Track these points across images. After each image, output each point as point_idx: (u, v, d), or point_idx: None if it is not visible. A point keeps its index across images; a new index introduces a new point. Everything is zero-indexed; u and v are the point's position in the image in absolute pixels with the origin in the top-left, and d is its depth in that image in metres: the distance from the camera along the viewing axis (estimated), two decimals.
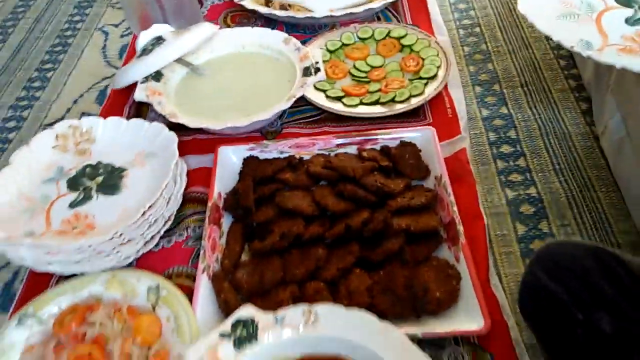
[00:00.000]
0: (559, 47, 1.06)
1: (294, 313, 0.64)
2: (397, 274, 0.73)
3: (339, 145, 0.93)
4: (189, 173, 0.91)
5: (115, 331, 0.68)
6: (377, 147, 0.93)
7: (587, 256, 0.56)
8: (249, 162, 0.91)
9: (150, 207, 0.76)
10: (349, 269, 0.75)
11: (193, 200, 0.90)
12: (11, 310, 0.75)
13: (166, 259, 0.81)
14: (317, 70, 1.01)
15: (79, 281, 0.74)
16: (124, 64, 1.18)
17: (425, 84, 1.03)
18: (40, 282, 0.78)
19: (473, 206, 0.83)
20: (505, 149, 0.94)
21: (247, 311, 0.64)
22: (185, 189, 0.89)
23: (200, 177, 0.92)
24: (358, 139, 0.93)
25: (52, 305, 0.72)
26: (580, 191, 0.84)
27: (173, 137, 0.86)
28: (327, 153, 0.92)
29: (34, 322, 0.70)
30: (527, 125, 0.97)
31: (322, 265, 0.76)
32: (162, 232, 0.81)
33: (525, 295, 0.61)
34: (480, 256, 0.76)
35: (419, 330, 0.67)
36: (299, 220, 0.80)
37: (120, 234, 0.74)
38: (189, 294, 0.73)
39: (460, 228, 0.76)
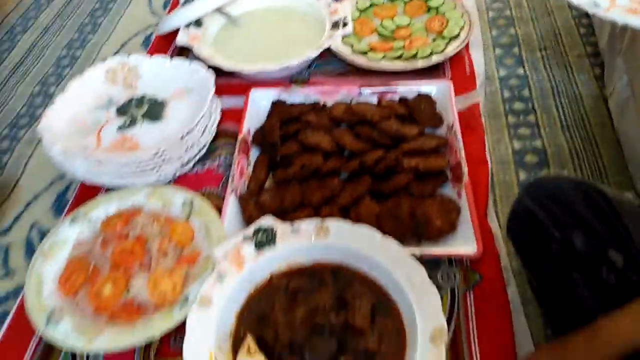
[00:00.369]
0: (580, 15, 1.11)
1: (308, 224, 0.73)
2: (403, 204, 0.81)
3: (360, 94, 1.00)
4: (222, 111, 1.01)
5: (154, 232, 0.79)
6: (396, 98, 1.00)
7: (572, 187, 0.63)
8: (277, 104, 1.00)
9: (188, 132, 0.86)
10: (360, 198, 0.83)
11: (225, 134, 0.99)
12: (64, 213, 0.87)
13: (200, 181, 0.91)
14: (345, 24, 1.09)
15: (124, 192, 0.85)
16: (168, 13, 1.27)
17: (448, 43, 1.09)
18: (89, 194, 0.89)
19: (480, 153, 0.90)
20: (518, 106, 1.00)
21: (268, 220, 0.74)
22: (219, 124, 0.98)
23: (233, 116, 1.01)
24: (379, 89, 1.00)
25: (100, 209, 0.83)
26: (583, 146, 0.90)
27: (210, 75, 0.96)
28: (349, 101, 1.00)
29: (85, 222, 0.82)
30: (540, 86, 1.03)
31: (337, 194, 0.85)
32: (197, 158, 0.91)
33: (512, 219, 0.68)
34: (481, 195, 0.84)
35: (418, 251, 0.75)
36: (318, 155, 0.89)
37: (161, 154, 0.84)
38: (219, 211, 0.83)
39: (465, 169, 0.83)
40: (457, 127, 0.90)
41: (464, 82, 1.04)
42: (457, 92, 1.00)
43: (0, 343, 0.74)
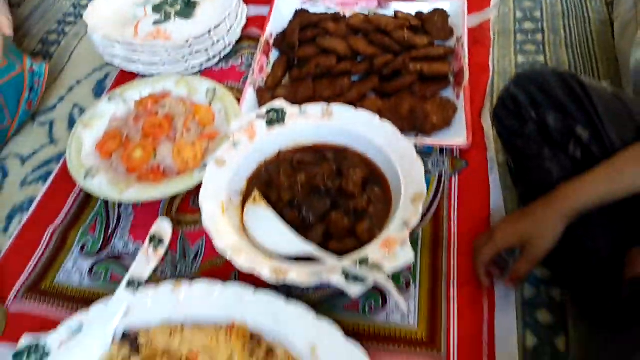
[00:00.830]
0: None
1: (314, 107, 0.81)
2: (405, 101, 0.89)
3: (379, 7, 1.07)
4: (248, 18, 1.09)
5: (180, 112, 0.89)
6: (412, 12, 1.06)
7: (553, 74, 0.69)
8: (299, 12, 1.07)
9: (215, 27, 0.95)
10: (366, 95, 0.91)
11: (249, 38, 1.08)
12: (103, 94, 0.98)
13: (223, 76, 1.01)
14: None
15: (156, 78, 0.95)
16: None
17: None
18: (125, 80, 0.99)
19: (483, 63, 0.97)
20: (528, 25, 1.05)
21: (279, 102, 0.83)
22: (243, 29, 1.07)
23: (257, 23, 1.10)
24: (396, 2, 1.06)
25: (134, 91, 0.93)
26: (583, 63, 0.95)
27: None
28: (367, 12, 1.07)
29: (120, 100, 0.92)
30: (553, 10, 1.07)
31: (346, 91, 0.93)
32: (222, 54, 1.00)
33: (498, 105, 0.74)
34: (478, 98, 0.91)
35: (413, 141, 0.83)
36: (332, 57, 0.97)
37: (190, 45, 0.93)
38: (238, 101, 0.92)
39: (466, 74, 0.90)
40: (465, 39, 0.96)
41: (479, 2, 1.09)
42: (472, 10, 1.05)
43: (46, 195, 0.87)
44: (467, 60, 0.92)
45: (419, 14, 1.04)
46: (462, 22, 1.00)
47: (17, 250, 0.80)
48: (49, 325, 0.70)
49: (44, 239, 0.81)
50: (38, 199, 0.87)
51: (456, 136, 0.84)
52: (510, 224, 0.67)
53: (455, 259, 0.73)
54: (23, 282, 0.76)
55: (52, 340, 0.63)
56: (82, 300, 0.73)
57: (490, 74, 0.95)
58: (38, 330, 0.65)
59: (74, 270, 0.77)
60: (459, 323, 0.67)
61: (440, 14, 1.03)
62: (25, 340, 0.63)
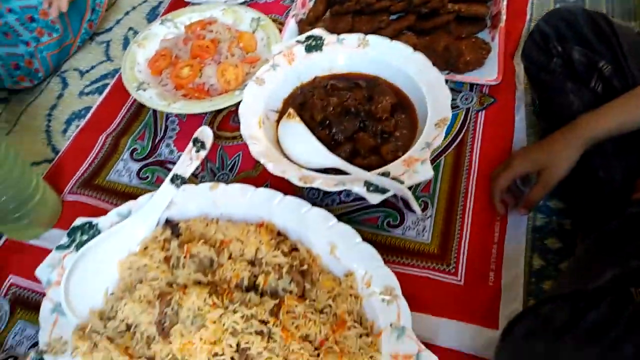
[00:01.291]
0: None
1: (352, 37, 0.86)
2: (440, 39, 0.92)
3: None
4: None
5: (225, 37, 0.95)
6: None
7: (582, 12, 0.71)
8: None
9: None
10: (402, 31, 0.95)
11: None
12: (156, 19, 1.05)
13: (267, 8, 1.06)
14: None
15: (204, 7, 1.01)
16: None
17: None
18: (177, 8, 1.05)
19: (521, 9, 0.98)
20: None
21: (318, 31, 0.87)
22: None
23: None
24: None
25: (185, 17, 1.00)
26: (622, 17, 0.95)
27: None
28: None
29: (171, 25, 0.99)
30: None
31: (383, 27, 0.96)
32: None
33: (528, 40, 0.77)
34: (512, 41, 0.93)
35: (445, 76, 0.86)
36: None
37: None
38: (279, 31, 0.97)
39: (504, 18, 0.92)
40: None
41: None
42: None
43: (101, 105, 0.96)
44: (505, 4, 0.94)
45: None
46: None
47: (74, 151, 0.89)
48: (100, 214, 0.79)
49: (98, 142, 0.89)
50: (94, 107, 0.95)
51: (488, 74, 0.86)
52: (528, 151, 0.71)
53: (473, 188, 0.77)
54: (78, 178, 0.85)
55: (103, 222, 0.71)
56: (130, 196, 0.81)
57: (527, 19, 0.96)
58: (90, 216, 0.74)
59: (124, 171, 0.85)
60: (470, 243, 0.72)
61: None
62: (79, 221, 0.71)
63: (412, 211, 0.75)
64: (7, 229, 0.77)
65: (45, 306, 0.63)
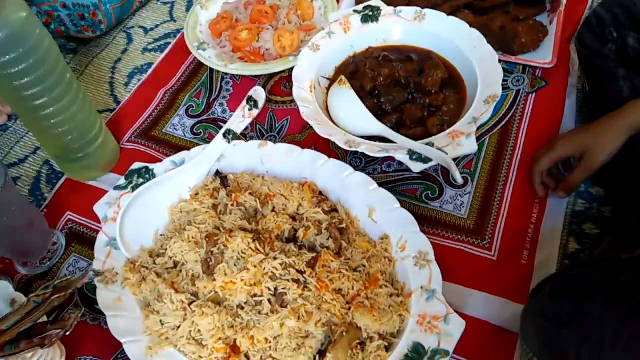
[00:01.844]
0: None
1: (409, 10, 0.87)
2: (497, 19, 0.92)
3: None
4: None
5: (284, 4, 0.98)
6: None
7: None
8: None
9: None
10: (458, 8, 0.95)
11: None
12: None
13: None
14: None
15: None
16: None
17: None
18: None
19: None
20: None
21: (375, 1, 0.88)
22: None
23: None
24: None
25: None
26: None
27: None
28: None
29: None
30: None
31: (440, 4, 0.96)
32: None
33: (583, 24, 0.76)
34: (571, 27, 0.92)
35: (498, 56, 0.86)
36: None
37: None
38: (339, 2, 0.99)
39: (564, 1, 0.91)
40: None
41: None
42: None
43: (163, 61, 1.00)
44: None
45: None
46: None
47: (134, 103, 0.94)
48: (155, 162, 0.84)
49: (157, 97, 0.94)
50: (155, 64, 1.00)
51: (542, 57, 0.86)
52: (571, 134, 0.71)
53: (516, 169, 0.78)
54: (137, 128, 0.90)
55: (158, 168, 0.76)
56: (183, 148, 0.85)
57: (588, 5, 0.95)
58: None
59: (179, 125, 0.90)
60: (507, 221, 0.73)
61: None
62: (136, 165, 0.76)
63: (453, 186, 0.76)
64: (68, 167, 0.83)
65: (101, 239, 0.69)
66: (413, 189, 0.78)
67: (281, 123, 0.89)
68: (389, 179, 0.79)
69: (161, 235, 0.71)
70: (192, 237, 0.65)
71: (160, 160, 0.78)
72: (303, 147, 0.77)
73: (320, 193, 0.73)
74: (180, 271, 0.65)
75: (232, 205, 0.67)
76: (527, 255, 0.70)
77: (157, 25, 1.08)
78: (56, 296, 0.55)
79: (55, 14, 1.00)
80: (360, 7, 0.88)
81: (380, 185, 0.71)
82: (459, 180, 0.69)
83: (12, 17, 0.62)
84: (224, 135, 0.78)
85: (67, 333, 0.56)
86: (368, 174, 0.79)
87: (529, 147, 0.79)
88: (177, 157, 0.77)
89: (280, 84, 0.94)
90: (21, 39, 0.63)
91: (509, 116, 0.84)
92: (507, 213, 0.74)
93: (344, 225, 0.67)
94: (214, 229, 0.66)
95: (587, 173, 0.67)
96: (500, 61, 0.82)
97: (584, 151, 0.67)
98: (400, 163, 0.72)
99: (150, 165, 0.76)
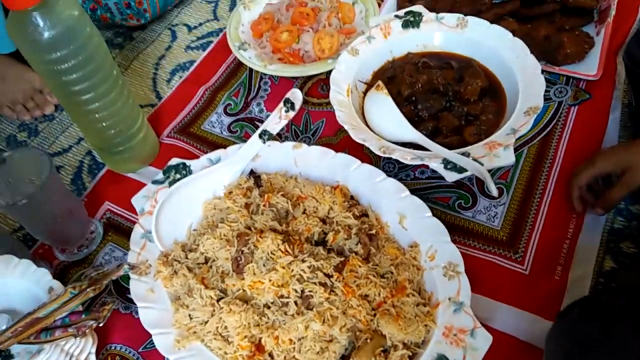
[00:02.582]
0: None
1: (451, 16, 0.86)
2: (541, 28, 0.89)
3: None
4: None
5: (326, 6, 0.98)
6: None
7: None
8: None
9: None
10: (502, 16, 0.93)
11: None
12: None
13: None
14: None
15: None
16: None
17: None
18: None
19: (634, 5, 0.93)
20: None
21: (419, 7, 0.88)
22: None
23: None
24: None
25: None
26: None
27: None
28: None
29: None
30: None
31: (484, 10, 0.95)
32: None
33: (633, 36, 0.74)
34: (619, 39, 0.89)
35: (541, 65, 0.84)
36: None
37: None
38: (378, 5, 0.98)
39: (612, 12, 0.88)
40: None
41: None
42: None
43: (204, 60, 1.03)
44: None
45: None
46: None
47: (175, 99, 0.97)
48: (192, 157, 0.85)
49: (197, 94, 0.96)
50: (197, 62, 1.02)
51: (587, 69, 0.83)
52: (613, 149, 0.69)
53: (553, 182, 0.76)
54: (176, 124, 0.93)
55: (195, 165, 0.78)
56: (219, 146, 0.87)
57: (638, 18, 0.91)
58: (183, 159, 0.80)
59: (217, 123, 0.92)
60: (542, 235, 0.71)
61: None
62: (174, 161, 0.78)
63: (488, 196, 0.75)
64: (110, 159, 0.86)
65: (137, 231, 0.71)
66: (446, 197, 0.77)
67: (316, 125, 0.89)
68: (421, 186, 0.79)
69: (194, 230, 0.73)
70: (224, 235, 0.67)
71: (198, 157, 0.80)
72: (337, 150, 0.77)
73: (352, 197, 0.73)
74: (211, 267, 0.66)
75: (264, 205, 0.68)
76: (560, 271, 0.68)
77: (200, 24, 1.10)
78: (92, 288, 0.57)
79: (103, 1, 1.04)
80: (401, 12, 0.88)
81: (412, 192, 0.71)
82: (494, 193, 0.68)
83: (64, 14, 0.64)
84: (260, 136, 0.79)
85: (101, 324, 0.58)
86: (401, 179, 0.79)
87: (569, 161, 0.77)
88: (213, 154, 0.78)
89: (317, 86, 0.94)
90: (72, 37, 0.65)
91: (549, 128, 0.82)
92: (542, 226, 0.72)
93: (373, 232, 0.67)
94: (246, 228, 0.67)
95: (628, 190, 0.65)
96: (543, 71, 0.80)
97: (626, 168, 0.65)
98: (434, 170, 0.71)
99: (188, 162, 0.78)
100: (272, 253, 0.62)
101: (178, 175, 0.76)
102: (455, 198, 0.77)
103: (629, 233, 0.71)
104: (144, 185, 0.80)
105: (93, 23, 0.70)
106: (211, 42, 1.06)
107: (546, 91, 0.82)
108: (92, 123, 0.76)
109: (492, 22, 0.92)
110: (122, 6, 1.03)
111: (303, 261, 0.62)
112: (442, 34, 0.86)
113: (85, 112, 0.74)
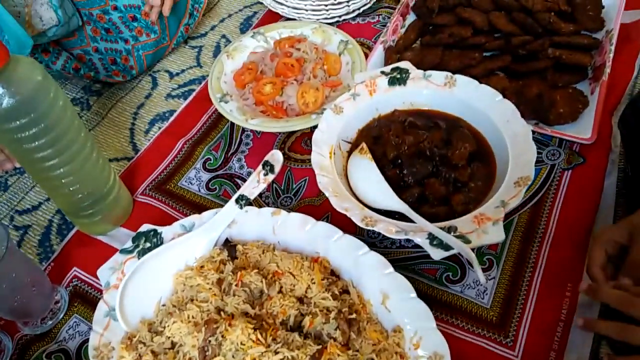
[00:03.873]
0: None
1: (439, 75, 0.82)
2: (533, 86, 0.86)
3: None
4: None
5: (311, 57, 0.95)
6: None
7: None
8: None
9: None
10: (493, 71, 0.90)
11: None
12: (248, 30, 1.07)
13: (358, 31, 1.05)
14: None
15: (296, 23, 1.02)
16: None
17: None
18: (270, 21, 1.07)
19: (629, 62, 0.90)
20: None
21: (405, 64, 0.85)
22: None
23: None
24: None
25: (275, 32, 1.01)
26: None
27: None
28: None
29: (261, 38, 1.00)
30: None
31: (474, 65, 0.92)
32: (361, 9, 1.04)
33: (628, 106, 0.70)
34: (615, 97, 0.86)
35: (533, 126, 0.81)
36: (468, 29, 0.95)
37: None
38: (366, 56, 0.95)
39: (607, 70, 0.85)
40: (616, 33, 0.90)
41: None
42: (630, 6, 0.98)
43: (185, 110, 0.99)
44: (611, 56, 0.86)
45: None
46: (616, 15, 0.93)
47: (152, 152, 0.93)
48: (166, 218, 0.81)
49: (176, 147, 0.92)
50: (177, 112, 0.98)
51: (580, 131, 0.80)
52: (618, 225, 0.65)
53: (546, 255, 0.72)
54: (152, 180, 0.88)
55: (167, 232, 0.73)
56: (197, 205, 0.84)
57: (634, 75, 0.88)
58: (156, 221, 0.76)
59: (195, 179, 0.88)
60: (534, 316, 0.67)
61: (594, 3, 0.96)
62: (144, 227, 0.74)
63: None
64: (78, 222, 0.81)
65: (100, 309, 0.66)
66: (433, 269, 0.73)
67: (299, 184, 0.85)
68: (407, 256, 0.75)
69: (163, 305, 0.68)
70: (193, 317, 0.62)
71: (172, 217, 0.76)
72: (319, 213, 0.73)
73: (332, 272, 0.69)
74: (178, 352, 0.61)
75: (237, 285, 0.64)
76: (554, 357, 0.64)
77: (182, 71, 1.06)
78: None
79: (87, 57, 1.00)
80: (388, 68, 0.84)
81: (398, 261, 0.66)
82: (483, 281, 0.64)
83: (25, 81, 0.61)
84: (237, 201, 0.75)
85: None
86: (386, 247, 0.75)
87: (562, 231, 0.73)
88: (187, 220, 0.74)
89: (301, 141, 0.91)
90: (34, 104, 0.61)
91: (541, 193, 0.78)
92: (534, 306, 0.68)
93: (354, 316, 0.62)
94: (216, 310, 0.62)
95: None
96: (534, 132, 0.77)
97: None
98: None
99: (159, 228, 0.73)
100: (242, 343, 0.57)
101: (148, 244, 0.72)
102: (442, 270, 0.73)
103: (625, 316, 0.66)
104: (113, 249, 0.76)
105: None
106: (193, 90, 1.02)
107: (538, 153, 0.78)
108: (58, 188, 0.72)
109: (482, 77, 0.90)
110: (108, 62, 1.00)
111: (276, 352, 0.57)
112: (430, 92, 0.82)
113: (50, 177, 0.70)
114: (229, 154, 0.90)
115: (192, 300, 0.65)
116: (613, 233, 0.63)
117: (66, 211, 0.80)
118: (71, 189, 0.72)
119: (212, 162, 0.90)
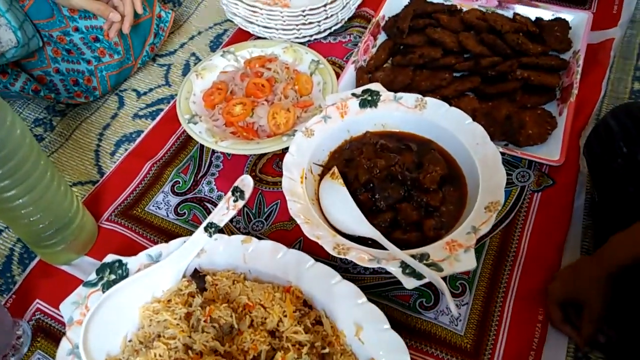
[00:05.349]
0: None
1: (409, 97, 0.82)
2: (502, 107, 0.87)
3: (498, 7, 1.04)
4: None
5: (282, 77, 0.94)
6: (532, 16, 1.02)
7: None
8: (416, 0, 1.07)
9: (331, 2, 0.97)
10: (464, 92, 0.90)
11: (361, 18, 1.10)
12: (218, 49, 1.05)
13: (329, 50, 1.04)
14: None
15: (267, 42, 1.00)
16: None
17: None
18: (240, 39, 1.05)
19: (596, 82, 0.92)
20: None
21: (376, 86, 0.84)
22: (358, 7, 1.08)
23: (372, 4, 1.10)
24: (517, 5, 1.03)
25: (246, 51, 0.99)
26: None
27: None
28: (484, 10, 1.04)
29: (232, 57, 0.98)
30: None
31: (445, 85, 0.92)
32: (332, 29, 1.03)
33: (592, 133, 0.71)
34: (582, 118, 0.87)
35: (503, 148, 0.81)
36: (438, 49, 0.96)
37: (305, 14, 0.97)
38: (337, 76, 0.95)
39: (575, 92, 0.86)
40: (583, 54, 0.92)
41: (606, 19, 1.03)
42: (597, 26, 1.00)
43: (152, 131, 0.96)
44: (579, 77, 0.88)
45: (538, 20, 1.00)
46: (583, 36, 0.95)
47: (118, 175, 0.90)
48: (133, 246, 0.79)
49: (143, 170, 0.89)
50: (145, 133, 0.96)
51: (549, 152, 0.81)
52: (563, 278, 0.66)
53: (518, 278, 0.72)
54: (117, 205, 0.86)
55: (132, 263, 0.71)
56: (164, 231, 0.81)
57: (601, 96, 0.90)
58: (122, 249, 0.73)
59: (163, 204, 0.85)
60: (508, 342, 0.67)
61: (561, 24, 0.98)
62: (109, 258, 0.71)
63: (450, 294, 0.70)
64: (40, 252, 0.78)
65: (63, 347, 0.63)
66: (406, 295, 0.72)
67: (270, 207, 0.84)
68: (380, 282, 0.74)
69: (130, 341, 0.66)
70: (160, 356, 0.60)
71: (139, 244, 0.73)
72: (291, 238, 0.71)
73: (305, 302, 0.68)
74: None
75: (206, 321, 0.62)
76: None
77: (150, 89, 1.04)
78: None
79: (48, 78, 0.97)
80: (359, 90, 0.84)
81: (371, 288, 0.65)
82: (455, 313, 0.63)
83: None
84: (206, 229, 0.73)
85: None
86: (359, 272, 0.74)
87: (533, 254, 0.74)
88: (153, 250, 0.72)
89: (272, 162, 0.89)
90: None
91: (512, 215, 0.78)
92: (508, 331, 0.68)
93: (327, 350, 0.61)
94: (184, 348, 0.60)
95: (595, 325, 0.61)
96: (504, 154, 0.77)
97: (580, 302, 0.62)
98: None
99: (124, 259, 0.71)
100: None
101: (113, 276, 0.69)
102: (416, 296, 0.72)
103: (597, 341, 0.67)
104: (78, 280, 0.73)
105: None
106: (161, 109, 0.99)
107: (508, 175, 0.80)
108: (18, 219, 0.69)
109: (452, 98, 0.90)
110: (70, 83, 0.97)
111: None
112: (401, 114, 0.82)
113: (8, 208, 0.66)
114: (199, 177, 0.88)
115: (159, 336, 0.62)
116: (561, 292, 0.65)
117: (27, 241, 0.76)
118: (32, 219, 0.69)
119: (180, 185, 0.88)
